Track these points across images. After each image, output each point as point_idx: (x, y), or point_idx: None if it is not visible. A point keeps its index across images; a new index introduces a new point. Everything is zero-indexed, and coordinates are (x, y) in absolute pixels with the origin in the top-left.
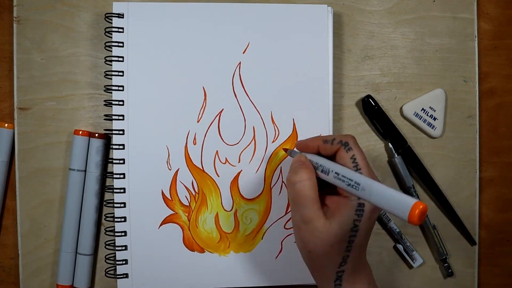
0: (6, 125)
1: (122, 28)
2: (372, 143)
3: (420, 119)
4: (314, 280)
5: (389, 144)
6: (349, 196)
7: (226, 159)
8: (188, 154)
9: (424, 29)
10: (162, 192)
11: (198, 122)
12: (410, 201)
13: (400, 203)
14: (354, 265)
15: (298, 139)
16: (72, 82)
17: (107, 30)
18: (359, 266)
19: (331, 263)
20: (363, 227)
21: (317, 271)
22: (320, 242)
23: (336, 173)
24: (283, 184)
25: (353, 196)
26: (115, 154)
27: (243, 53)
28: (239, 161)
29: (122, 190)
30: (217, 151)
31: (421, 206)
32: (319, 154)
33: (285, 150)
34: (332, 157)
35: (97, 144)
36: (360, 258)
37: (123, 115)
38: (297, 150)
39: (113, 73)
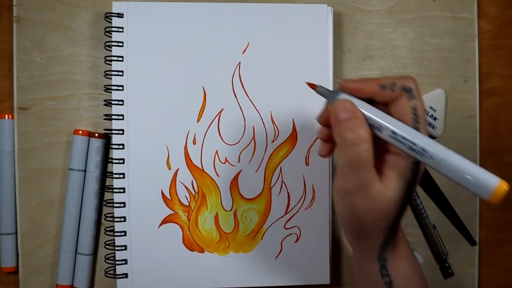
0: (7, 116)
1: (122, 28)
2: None
3: None
4: (354, 250)
5: None
6: (400, 153)
7: (226, 158)
8: (188, 154)
9: (424, 29)
10: (162, 192)
11: (198, 122)
12: (492, 181)
13: (480, 181)
14: (399, 230)
15: (318, 116)
16: (72, 82)
17: (107, 30)
18: (400, 232)
19: (381, 229)
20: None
21: (363, 238)
22: (375, 209)
23: (392, 132)
24: (283, 183)
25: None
26: (115, 154)
27: (243, 53)
28: (239, 161)
29: (121, 190)
30: (216, 150)
31: (505, 188)
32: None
33: (312, 85)
34: (385, 104)
35: (97, 144)
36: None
37: (122, 115)
38: (337, 91)
39: (113, 72)
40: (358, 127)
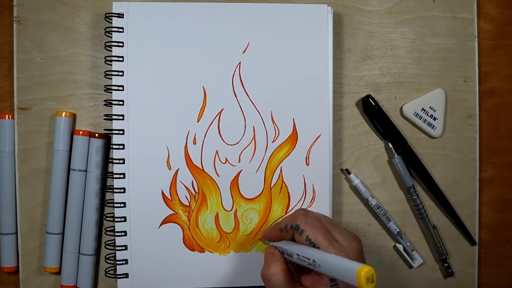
0: (7, 116)
1: (122, 28)
2: (372, 143)
3: (420, 119)
4: None
5: (389, 144)
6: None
7: (226, 159)
8: (188, 154)
9: (424, 29)
10: (162, 192)
11: (198, 122)
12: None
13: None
14: None
15: (267, 230)
16: (72, 82)
17: (107, 30)
18: None
19: None
20: None
21: None
22: None
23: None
24: (283, 184)
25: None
26: (115, 154)
27: (243, 53)
28: (239, 161)
29: (122, 190)
30: (217, 151)
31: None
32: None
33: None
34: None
35: (97, 144)
36: None
37: (123, 115)
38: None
39: (113, 73)
40: (271, 264)
